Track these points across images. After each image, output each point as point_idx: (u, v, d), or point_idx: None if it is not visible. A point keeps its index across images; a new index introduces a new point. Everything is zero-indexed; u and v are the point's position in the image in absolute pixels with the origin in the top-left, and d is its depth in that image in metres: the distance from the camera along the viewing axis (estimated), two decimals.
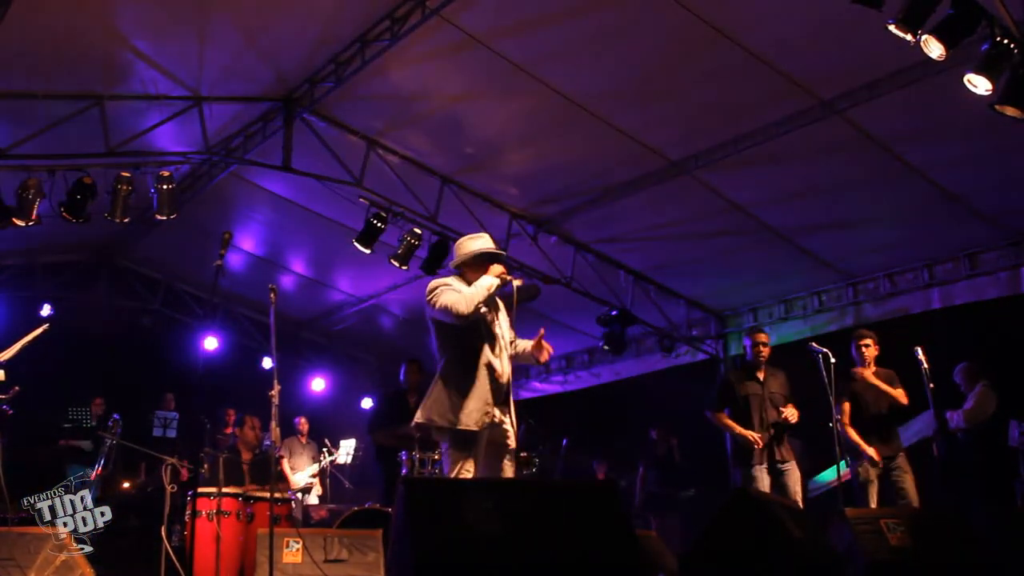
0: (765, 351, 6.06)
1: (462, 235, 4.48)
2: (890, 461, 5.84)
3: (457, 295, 4.01)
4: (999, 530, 4.42)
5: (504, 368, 4.12)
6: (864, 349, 6.05)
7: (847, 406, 6.00)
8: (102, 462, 7.72)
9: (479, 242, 4.31)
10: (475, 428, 3.94)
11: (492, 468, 4.07)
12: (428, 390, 4.14)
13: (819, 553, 3.86)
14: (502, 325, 4.24)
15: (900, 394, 5.91)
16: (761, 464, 5.79)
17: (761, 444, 5.76)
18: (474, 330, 4.08)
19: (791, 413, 5.81)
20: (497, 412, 4.02)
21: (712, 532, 3.95)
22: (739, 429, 5.85)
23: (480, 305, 4.00)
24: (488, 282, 4.06)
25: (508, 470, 4.10)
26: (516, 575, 3.00)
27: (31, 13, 5.26)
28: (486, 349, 4.06)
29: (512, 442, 4.10)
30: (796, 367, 6.21)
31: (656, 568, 4.39)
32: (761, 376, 6.03)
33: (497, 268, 4.15)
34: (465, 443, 3.97)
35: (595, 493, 3.46)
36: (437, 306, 4.03)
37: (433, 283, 4.19)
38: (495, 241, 4.43)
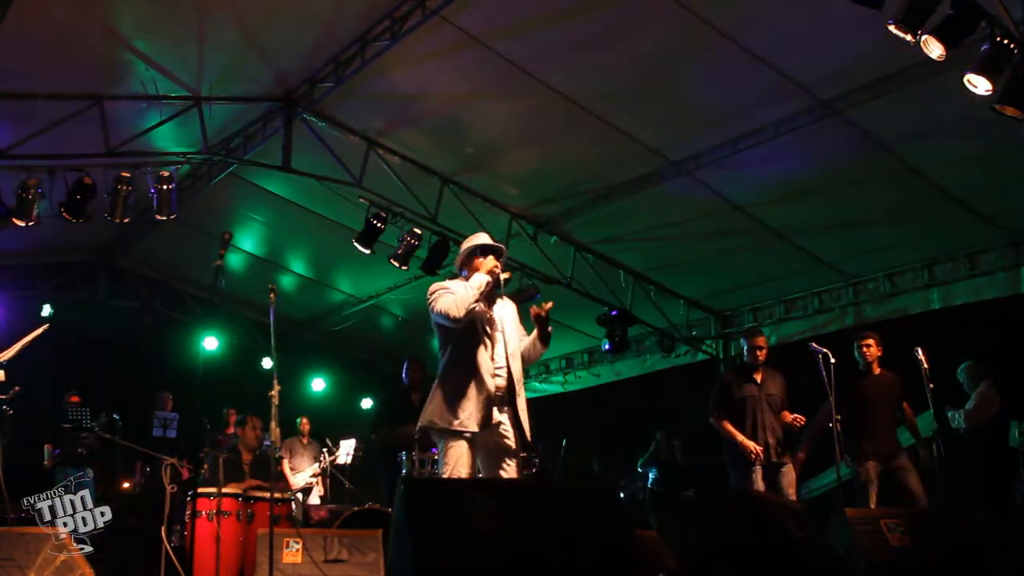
0: (761, 354, 6.05)
1: (462, 235, 4.45)
2: (890, 461, 5.83)
3: (451, 298, 3.95)
4: (999, 530, 4.42)
5: (504, 368, 4.04)
6: (865, 350, 6.07)
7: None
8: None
9: (474, 240, 4.29)
10: (472, 429, 3.88)
11: (491, 470, 3.98)
12: (430, 393, 4.11)
13: (819, 553, 3.86)
14: (506, 324, 4.17)
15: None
16: (757, 466, 5.81)
17: (760, 455, 5.77)
18: (470, 331, 4.02)
19: (796, 419, 5.81)
20: (495, 413, 3.96)
21: (712, 532, 3.95)
22: (740, 437, 5.84)
23: (473, 306, 3.95)
24: (478, 280, 4.00)
25: (510, 471, 4.01)
26: (516, 575, 3.00)
27: (31, 13, 5.27)
28: (482, 349, 4.00)
29: (511, 443, 3.99)
30: (796, 367, 6.21)
31: (656, 568, 4.38)
32: (759, 378, 6.03)
33: (489, 262, 4.09)
34: (462, 445, 3.91)
35: (595, 493, 3.46)
36: (434, 311, 4.01)
37: (432, 287, 4.15)
38: (495, 240, 4.41)
